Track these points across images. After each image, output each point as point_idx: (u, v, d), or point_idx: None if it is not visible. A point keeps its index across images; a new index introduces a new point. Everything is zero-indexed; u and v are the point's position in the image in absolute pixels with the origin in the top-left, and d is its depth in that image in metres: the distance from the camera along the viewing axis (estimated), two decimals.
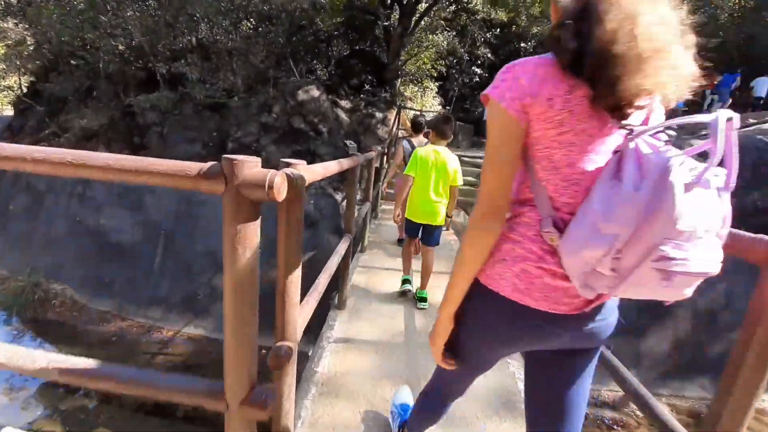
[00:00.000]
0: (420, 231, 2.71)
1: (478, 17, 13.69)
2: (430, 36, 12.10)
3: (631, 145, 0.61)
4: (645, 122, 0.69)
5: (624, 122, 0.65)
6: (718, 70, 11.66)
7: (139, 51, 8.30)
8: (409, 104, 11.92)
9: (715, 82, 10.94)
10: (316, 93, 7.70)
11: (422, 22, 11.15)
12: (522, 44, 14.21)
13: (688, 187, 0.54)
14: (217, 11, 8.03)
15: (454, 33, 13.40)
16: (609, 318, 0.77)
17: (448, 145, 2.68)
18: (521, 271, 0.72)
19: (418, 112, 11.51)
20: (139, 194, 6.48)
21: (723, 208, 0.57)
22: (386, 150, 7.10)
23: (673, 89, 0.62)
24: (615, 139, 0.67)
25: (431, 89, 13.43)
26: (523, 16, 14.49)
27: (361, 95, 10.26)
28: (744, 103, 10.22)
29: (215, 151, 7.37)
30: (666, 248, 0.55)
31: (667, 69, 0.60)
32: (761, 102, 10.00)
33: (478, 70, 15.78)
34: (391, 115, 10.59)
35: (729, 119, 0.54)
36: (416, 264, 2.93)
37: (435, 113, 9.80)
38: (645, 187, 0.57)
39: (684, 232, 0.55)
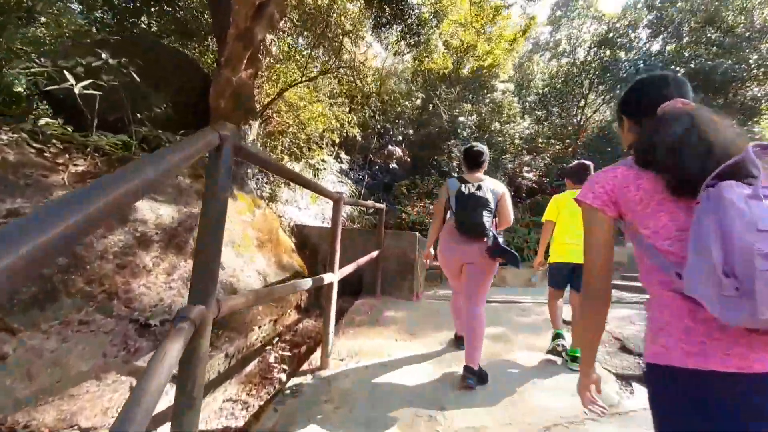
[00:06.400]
0: (569, 276, 2.74)
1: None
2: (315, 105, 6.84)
3: (703, 194, 0.74)
4: None
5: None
6: None
7: None
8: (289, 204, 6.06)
9: None
10: None
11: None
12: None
13: (745, 199, 0.66)
14: None
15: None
16: None
17: None
18: (685, 330, 0.77)
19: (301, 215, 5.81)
20: None
21: None
22: None
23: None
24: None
25: (330, 161, 7.93)
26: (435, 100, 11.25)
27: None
28: None
29: None
30: (761, 245, 0.62)
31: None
32: None
33: (399, 150, 11.41)
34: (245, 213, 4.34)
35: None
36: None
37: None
38: (708, 209, 0.70)
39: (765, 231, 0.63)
